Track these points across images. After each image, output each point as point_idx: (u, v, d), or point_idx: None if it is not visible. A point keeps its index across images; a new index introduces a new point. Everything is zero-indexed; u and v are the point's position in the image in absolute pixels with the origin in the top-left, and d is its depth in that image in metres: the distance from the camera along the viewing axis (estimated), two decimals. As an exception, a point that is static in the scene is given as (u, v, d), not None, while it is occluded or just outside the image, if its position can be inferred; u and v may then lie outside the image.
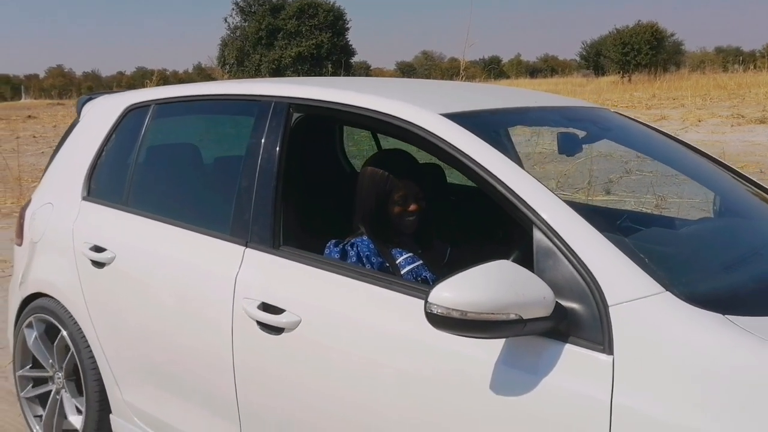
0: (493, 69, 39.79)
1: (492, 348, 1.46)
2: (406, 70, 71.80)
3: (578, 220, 1.49)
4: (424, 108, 1.83)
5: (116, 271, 2.38)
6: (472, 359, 1.49)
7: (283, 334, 1.81)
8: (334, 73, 35.39)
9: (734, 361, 1.26)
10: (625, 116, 2.55)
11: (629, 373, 1.31)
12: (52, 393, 2.75)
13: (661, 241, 2.02)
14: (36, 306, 2.75)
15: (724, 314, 1.32)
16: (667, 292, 1.36)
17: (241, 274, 1.96)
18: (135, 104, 2.68)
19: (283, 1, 42.77)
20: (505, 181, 1.57)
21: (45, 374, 2.79)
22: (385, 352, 1.65)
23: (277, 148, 2.04)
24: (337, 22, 43.31)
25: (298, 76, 38.91)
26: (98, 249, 2.44)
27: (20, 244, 2.94)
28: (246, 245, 2.00)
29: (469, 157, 1.64)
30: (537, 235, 1.49)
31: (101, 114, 2.80)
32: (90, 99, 3.01)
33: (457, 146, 1.68)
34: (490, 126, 2.03)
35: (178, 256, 2.22)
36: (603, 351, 1.35)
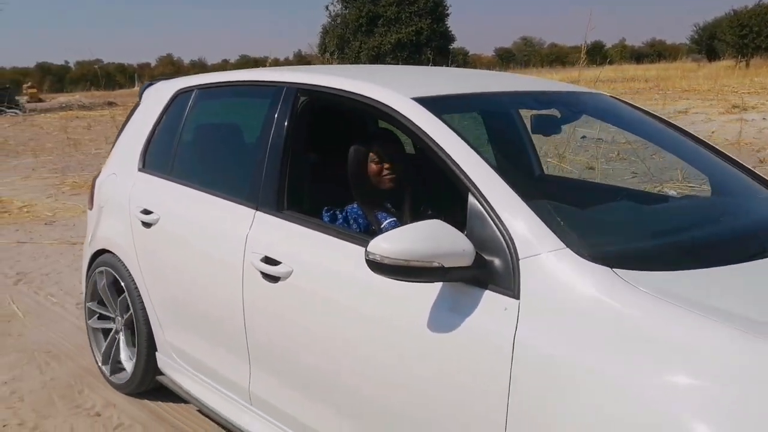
0: (596, 54, 38.50)
1: (428, 293, 1.78)
2: (504, 56, 70.57)
3: (504, 188, 1.78)
4: (399, 92, 2.17)
5: (160, 231, 2.89)
6: (411, 302, 1.82)
7: (279, 282, 2.23)
8: (434, 60, 35.50)
9: (612, 304, 1.53)
10: (613, 98, 2.80)
11: (530, 313, 1.61)
12: (112, 331, 3.34)
13: (592, 208, 2.31)
14: (101, 260, 3.33)
15: (612, 268, 1.59)
16: (567, 249, 1.63)
17: (251, 232, 2.38)
18: (182, 89, 3.17)
19: (384, -12, 43.21)
20: (452, 156, 1.90)
21: (109, 314, 3.38)
22: (350, 297, 2.03)
23: (285, 127, 2.44)
24: (437, 8, 43.24)
25: (397, 63, 39.25)
26: (147, 212, 2.94)
27: (91, 209, 3.53)
28: (257, 209, 2.42)
29: (429, 137, 1.98)
30: (471, 199, 1.81)
31: (156, 98, 3.30)
32: (150, 85, 3.51)
33: (420, 126, 2.02)
34: (453, 109, 2.37)
35: (206, 218, 2.68)
36: (512, 296, 1.64)
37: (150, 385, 3.17)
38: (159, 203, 2.93)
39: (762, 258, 1.78)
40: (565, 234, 1.68)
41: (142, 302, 3.04)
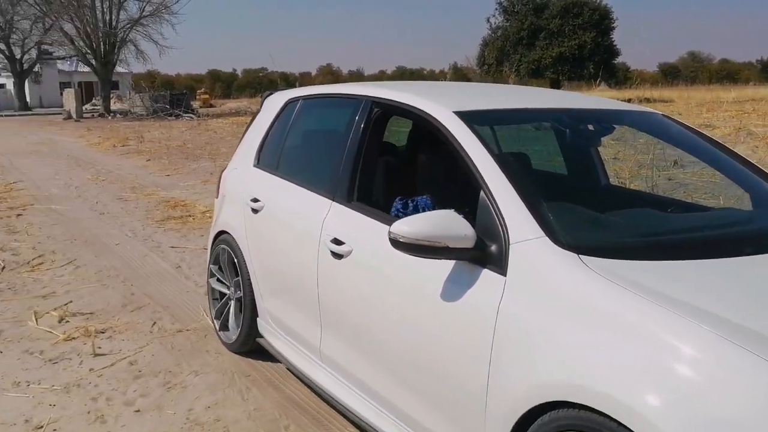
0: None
1: (444, 269, 2.21)
2: (669, 72, 66.06)
3: (507, 186, 2.19)
4: (442, 105, 2.62)
5: (263, 216, 3.51)
6: (432, 276, 2.25)
7: (342, 259, 2.75)
8: (595, 75, 33.76)
9: (574, 284, 1.90)
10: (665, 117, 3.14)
11: (512, 288, 2.01)
12: (226, 296, 3.94)
13: (592, 208, 2.63)
14: (221, 239, 3.95)
15: (578, 255, 1.96)
16: (546, 237, 2.02)
17: (327, 218, 2.91)
18: (291, 99, 3.76)
19: (547, 0, 41.89)
20: (473, 160, 2.34)
21: (225, 281, 3.97)
22: (390, 272, 2.50)
23: (360, 133, 2.97)
24: (602, 21, 41.34)
25: (558, 77, 37.93)
26: (255, 200, 3.56)
27: (217, 197, 4.16)
28: (333, 199, 2.95)
29: (458, 143, 2.42)
30: (481, 194, 2.23)
31: (272, 106, 3.88)
32: (270, 95, 4.06)
33: (455, 137, 2.45)
34: (485, 122, 2.76)
35: (296, 206, 3.27)
36: (502, 274, 2.05)
37: (251, 346, 3.72)
38: (265, 193, 3.55)
39: (720, 258, 2.06)
40: (549, 226, 2.06)
41: (249, 276, 3.62)
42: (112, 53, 35.09)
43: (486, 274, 2.11)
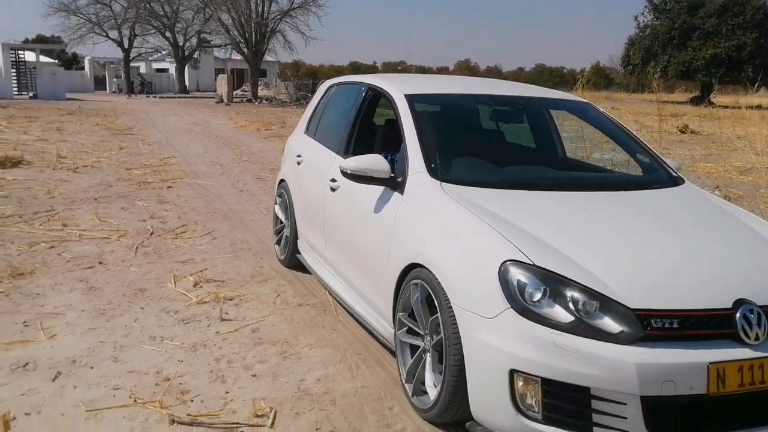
0: None
1: (377, 190, 3.56)
2: None
3: (414, 141, 3.53)
4: (399, 90, 3.95)
5: (302, 167, 5.02)
6: (371, 197, 3.59)
7: (335, 192, 4.11)
8: (753, 79, 30.89)
9: (433, 199, 3.19)
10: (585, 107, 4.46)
11: (405, 202, 3.32)
12: (283, 225, 5.45)
13: (471, 155, 3.82)
14: (281, 186, 5.45)
15: (440, 181, 3.25)
16: (425, 172, 3.33)
17: (331, 166, 4.20)
18: (330, 84, 5.39)
19: (704, -2, 39.00)
20: (403, 125, 3.70)
21: (281, 215, 5.47)
22: (356, 197, 3.81)
23: (358, 109, 4.43)
24: (766, 21, 37.85)
25: (711, 80, 35.24)
26: (299, 156, 5.10)
27: (283, 156, 5.73)
28: (337, 153, 4.35)
29: (399, 114, 3.79)
30: (402, 145, 3.60)
31: (321, 89, 5.51)
32: (323, 82, 5.78)
33: (398, 109, 3.82)
34: (422, 100, 3.94)
35: (317, 158, 4.68)
36: (401, 194, 3.37)
37: (295, 262, 5.13)
38: (305, 151, 5.06)
39: (549, 191, 3.34)
40: (429, 165, 3.36)
41: (293, 210, 5.08)
42: (262, 43, 37.04)
43: (395, 195, 3.44)
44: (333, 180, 4.09)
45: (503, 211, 2.94)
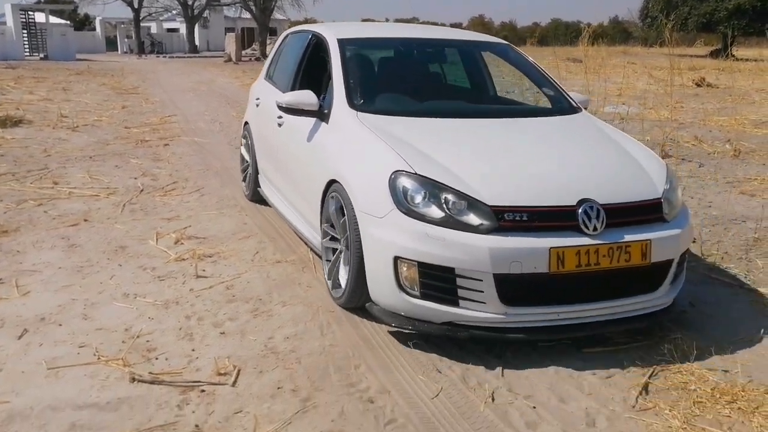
0: None
1: (310, 122, 4.15)
2: None
3: (339, 79, 4.09)
4: (334, 35, 4.53)
5: (259, 108, 5.57)
6: (305, 128, 4.19)
7: (281, 126, 4.72)
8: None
9: (350, 126, 3.78)
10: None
11: (331, 127, 3.93)
12: (248, 164, 5.97)
13: (392, 89, 4.46)
14: (246, 127, 6.05)
15: (356, 111, 3.83)
16: (345, 103, 3.91)
17: (278, 103, 4.34)
18: (287, 33, 5.99)
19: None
20: (332, 65, 4.26)
21: (246, 155, 6.02)
22: (296, 128, 4.38)
23: (302, 53, 5.02)
24: (795, -30, 36.29)
25: (733, 32, 34.10)
26: (257, 99, 5.73)
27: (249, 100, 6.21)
28: (284, 92, 4.70)
29: (330, 55, 4.38)
30: (329, 83, 4.22)
31: (281, 38, 6.08)
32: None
33: (330, 51, 4.40)
34: (354, 44, 4.55)
35: (270, 99, 5.09)
36: (327, 123, 3.99)
37: (257, 196, 5.65)
38: (262, 94, 5.62)
39: (449, 118, 3.91)
40: (349, 98, 3.94)
41: (255, 149, 5.64)
42: (270, 0, 36.42)
43: (323, 125, 4.02)
44: (279, 117, 4.64)
45: (404, 133, 3.53)
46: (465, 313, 2.98)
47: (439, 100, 4.50)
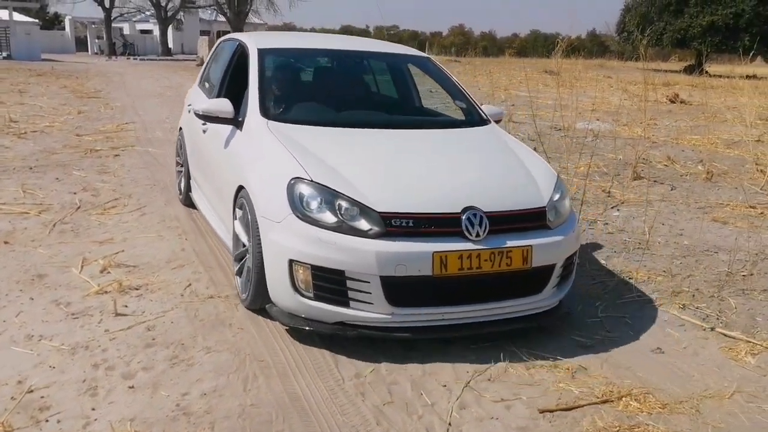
0: None
1: (228, 129, 4.28)
2: None
3: (255, 88, 4.22)
4: (255, 44, 4.68)
5: (190, 113, 5.29)
6: (222, 135, 4.34)
7: (205, 133, 4.79)
8: (749, 48, 30.07)
9: (260, 132, 3.92)
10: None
11: (244, 135, 4.06)
12: (182, 169, 5.93)
13: (307, 99, 4.71)
14: (180, 134, 6.08)
15: (268, 120, 3.97)
16: (258, 112, 4.05)
17: (196, 110, 4.42)
18: (220, 41, 5.92)
19: (703, -38, 37.67)
20: (249, 73, 4.42)
21: (179, 158, 6.12)
22: (216, 135, 4.49)
23: (229, 61, 5.12)
24: (766, -12, 36.70)
25: (707, 49, 34.30)
26: (189, 104, 5.70)
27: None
28: (209, 97, 5.17)
29: (249, 64, 4.51)
30: (246, 92, 4.33)
31: (215, 45, 6.02)
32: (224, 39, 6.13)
33: (250, 60, 4.55)
34: (273, 54, 4.73)
35: (197, 104, 4.79)
36: (241, 130, 4.11)
37: (188, 200, 5.69)
38: (194, 99, 5.62)
39: (359, 128, 4.05)
40: (261, 107, 4.08)
41: (186, 154, 5.68)
42: (245, 3, 35.91)
43: (238, 132, 4.11)
44: (204, 123, 4.65)
45: (310, 142, 3.66)
46: (355, 313, 3.15)
47: (353, 111, 4.57)
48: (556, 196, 3.55)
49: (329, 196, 3.20)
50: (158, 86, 19.71)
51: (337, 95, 4.81)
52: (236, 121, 4.13)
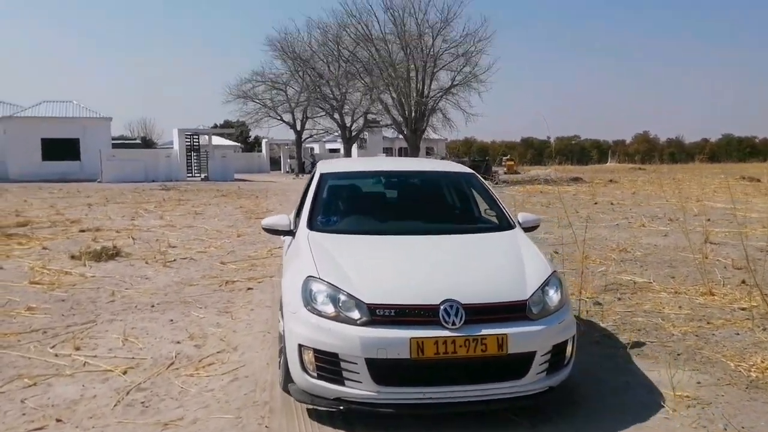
0: None
1: (288, 240, 5.23)
2: None
3: (309, 205, 5.10)
4: (320, 169, 5.68)
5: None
6: (288, 243, 5.24)
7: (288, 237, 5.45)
8: None
9: (303, 240, 4.65)
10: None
11: (294, 243, 4.95)
12: None
13: (352, 212, 5.41)
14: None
15: (309, 231, 4.76)
16: (305, 225, 4.88)
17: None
18: (324, 173, 5.82)
19: None
20: (307, 196, 5.31)
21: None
22: (290, 243, 5.20)
23: (309, 183, 5.65)
24: None
25: None
26: None
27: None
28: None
29: (311, 187, 5.43)
30: (300, 209, 5.48)
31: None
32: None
33: (311, 185, 5.49)
34: (336, 176, 5.68)
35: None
36: (293, 237, 5.03)
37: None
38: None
39: (382, 235, 4.75)
40: (309, 221, 4.83)
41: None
42: (422, 121, 36.52)
43: (293, 240, 4.91)
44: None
45: (333, 247, 4.35)
46: (348, 390, 3.60)
47: (387, 222, 5.20)
48: (543, 291, 3.92)
49: (332, 290, 3.79)
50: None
51: (377, 208, 5.55)
52: (291, 232, 4.98)
